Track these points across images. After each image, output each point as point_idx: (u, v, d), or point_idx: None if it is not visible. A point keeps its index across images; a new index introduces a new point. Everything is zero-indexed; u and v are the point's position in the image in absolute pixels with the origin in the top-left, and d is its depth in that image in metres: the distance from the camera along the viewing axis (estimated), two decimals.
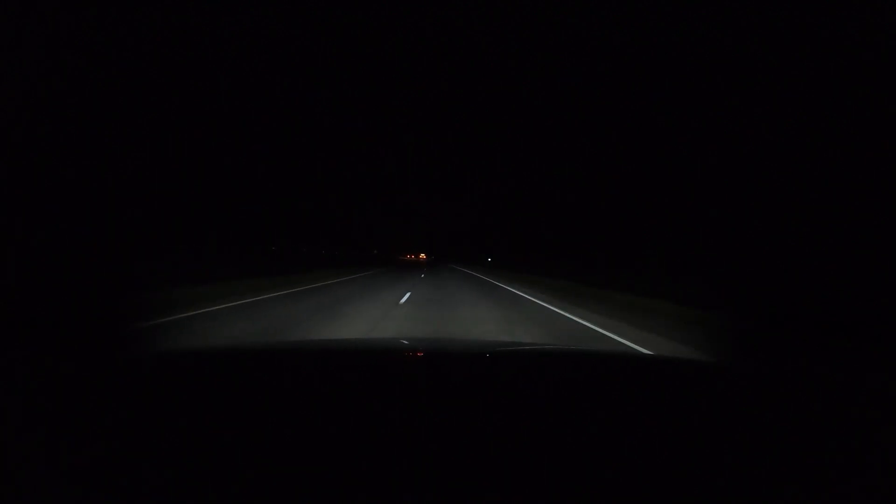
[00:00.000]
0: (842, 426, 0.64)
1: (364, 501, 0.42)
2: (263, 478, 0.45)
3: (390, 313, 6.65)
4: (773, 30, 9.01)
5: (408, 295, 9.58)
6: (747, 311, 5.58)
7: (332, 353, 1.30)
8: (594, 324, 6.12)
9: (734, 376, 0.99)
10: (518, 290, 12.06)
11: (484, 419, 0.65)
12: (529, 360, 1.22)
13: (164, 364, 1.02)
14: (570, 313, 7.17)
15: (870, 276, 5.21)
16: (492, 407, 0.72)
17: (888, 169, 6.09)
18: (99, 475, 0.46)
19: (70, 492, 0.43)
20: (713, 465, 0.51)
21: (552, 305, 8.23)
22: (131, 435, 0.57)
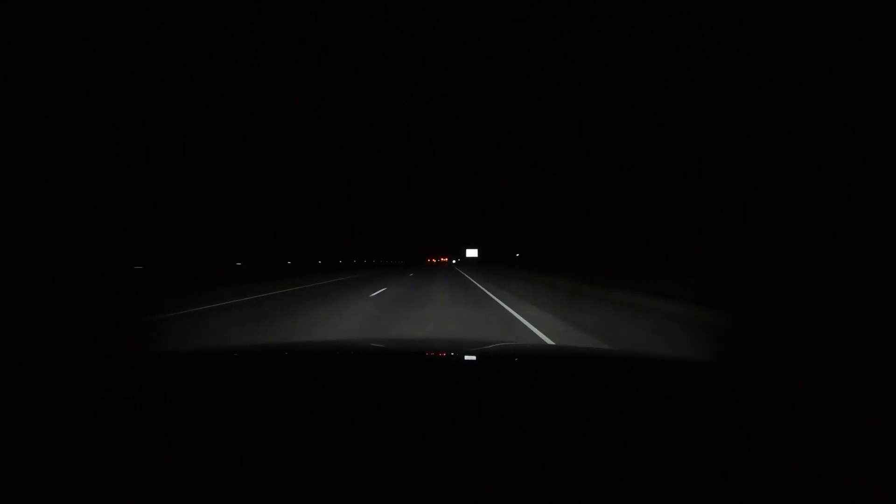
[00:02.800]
0: (842, 426, 0.63)
1: (362, 499, 0.42)
2: (263, 476, 0.45)
3: None
4: (777, 31, 8.92)
5: None
6: (751, 310, 5.49)
7: (330, 353, 1.31)
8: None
9: (734, 377, 0.98)
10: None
11: (484, 419, 0.65)
12: (529, 361, 1.21)
13: (165, 365, 1.02)
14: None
15: (870, 277, 5.13)
16: (493, 406, 0.72)
17: (888, 169, 6.00)
18: (102, 474, 0.47)
19: (73, 491, 0.44)
20: (713, 464, 0.51)
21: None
22: (134, 435, 0.57)
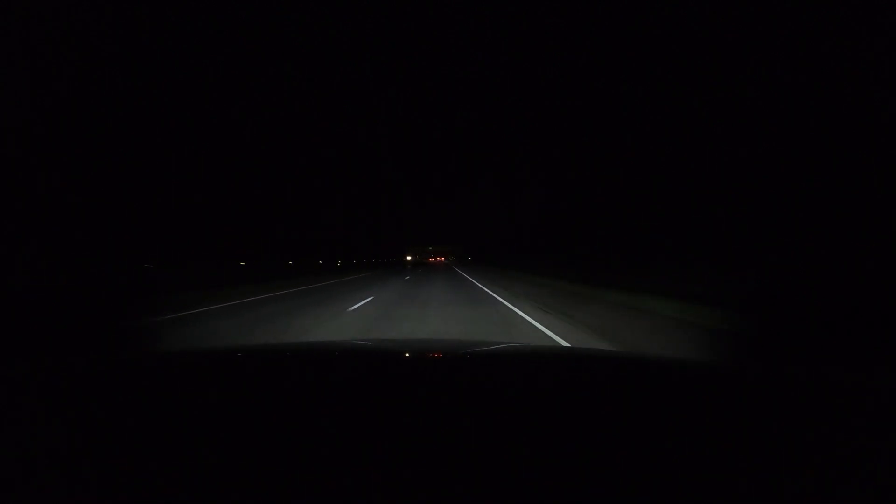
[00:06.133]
0: (842, 427, 0.63)
1: (360, 500, 0.43)
2: (262, 477, 0.45)
3: None
4: (779, 27, 8.93)
5: None
6: (751, 309, 5.49)
7: (329, 354, 1.31)
8: None
9: (733, 377, 0.98)
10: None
11: (482, 420, 0.65)
12: (528, 362, 1.21)
13: (164, 365, 1.03)
14: None
15: (870, 276, 5.13)
16: (491, 408, 0.72)
17: (889, 169, 6.00)
18: (100, 474, 0.47)
19: (71, 491, 0.44)
20: (714, 466, 0.51)
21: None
22: (132, 435, 0.57)
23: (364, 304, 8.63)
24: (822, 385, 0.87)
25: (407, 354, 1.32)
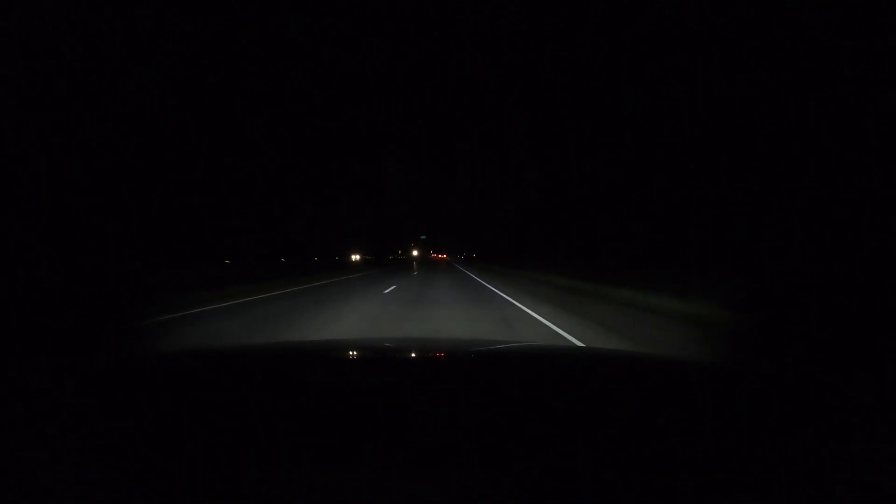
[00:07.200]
0: (842, 427, 0.63)
1: (359, 498, 0.42)
2: (262, 476, 0.45)
3: None
4: (777, 26, 8.95)
5: None
6: (750, 309, 5.50)
7: (330, 353, 1.30)
8: None
9: (733, 377, 0.98)
10: None
11: (483, 418, 0.65)
12: (534, 361, 1.21)
13: (164, 364, 1.03)
14: None
15: (870, 276, 5.14)
16: (492, 407, 0.72)
17: (889, 169, 6.01)
18: (101, 474, 0.47)
19: (72, 490, 0.44)
20: (713, 465, 0.51)
21: None
22: (133, 434, 0.57)
23: None
24: (822, 385, 0.87)
25: (413, 353, 1.32)
